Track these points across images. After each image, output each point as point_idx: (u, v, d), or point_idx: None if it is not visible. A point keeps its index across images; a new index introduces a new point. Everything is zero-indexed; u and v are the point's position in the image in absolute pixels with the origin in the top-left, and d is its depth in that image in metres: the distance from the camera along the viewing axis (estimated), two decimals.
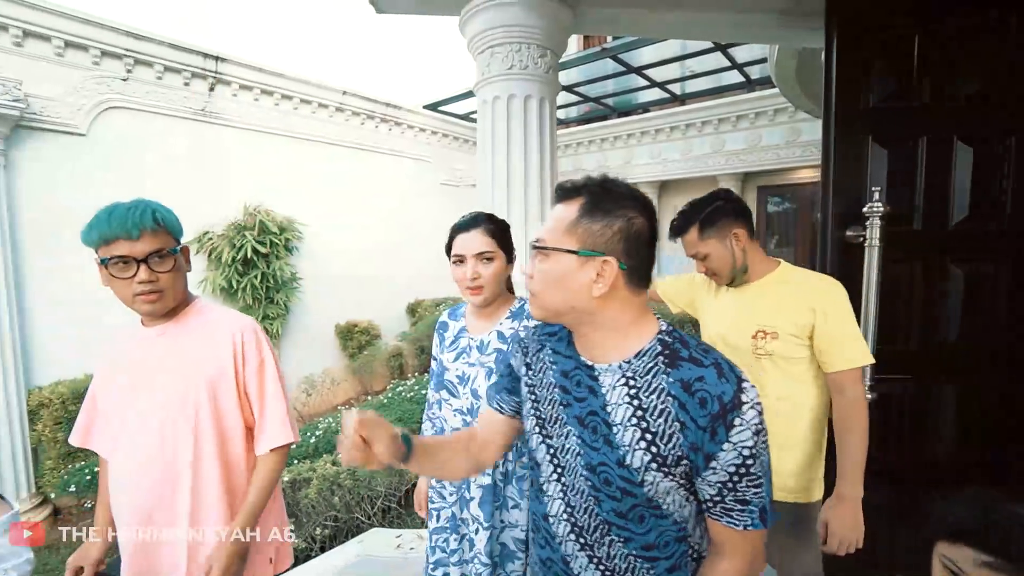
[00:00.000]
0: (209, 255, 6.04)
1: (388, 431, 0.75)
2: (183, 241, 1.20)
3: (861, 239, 1.63)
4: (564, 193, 0.80)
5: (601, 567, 0.80)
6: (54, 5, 4.94)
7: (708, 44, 5.86)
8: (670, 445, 0.72)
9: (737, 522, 0.72)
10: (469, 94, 7.83)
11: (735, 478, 0.70)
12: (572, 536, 0.82)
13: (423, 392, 4.88)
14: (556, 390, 0.84)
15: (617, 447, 0.75)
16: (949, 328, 1.74)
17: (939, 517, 0.69)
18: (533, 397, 0.89)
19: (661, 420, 0.72)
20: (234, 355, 1.18)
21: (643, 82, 7.34)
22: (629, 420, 0.74)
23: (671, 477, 0.73)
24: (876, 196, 1.59)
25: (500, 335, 1.28)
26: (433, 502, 1.37)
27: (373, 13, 2.25)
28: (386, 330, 8.23)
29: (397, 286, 8.63)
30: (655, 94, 8.14)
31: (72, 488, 4.51)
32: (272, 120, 6.81)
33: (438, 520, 1.35)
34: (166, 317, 1.17)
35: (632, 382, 0.75)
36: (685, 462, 0.72)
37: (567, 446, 0.81)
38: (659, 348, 0.76)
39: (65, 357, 5.15)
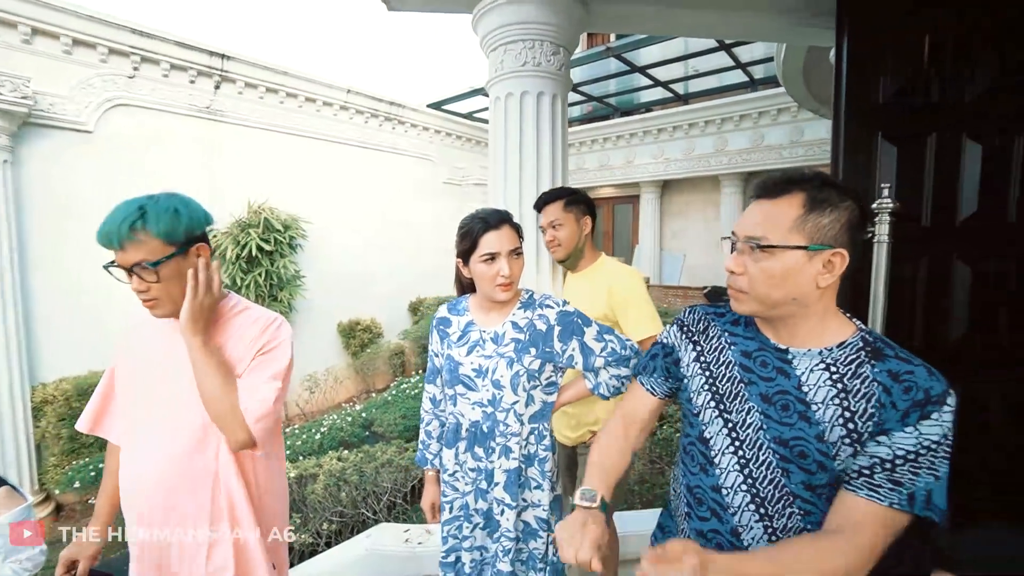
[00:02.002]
0: (214, 252, 6.01)
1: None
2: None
3: (870, 235, 1.64)
4: (774, 189, 0.81)
5: (774, 539, 0.83)
6: (62, 3, 4.97)
7: (712, 43, 5.89)
8: (867, 424, 0.76)
9: (881, 497, 0.73)
10: (472, 93, 7.85)
11: (899, 461, 0.73)
12: (752, 507, 0.85)
13: None
14: (736, 368, 0.89)
15: (817, 423, 0.79)
16: (954, 325, 1.75)
17: (943, 548, 0.70)
18: (708, 374, 0.92)
19: (863, 401, 0.77)
20: (256, 346, 1.13)
21: (646, 81, 7.36)
22: (831, 400, 0.79)
23: (855, 454, 0.76)
24: (885, 192, 1.59)
25: (515, 325, 1.31)
26: (446, 495, 1.39)
27: (377, 13, 2.28)
28: (388, 328, 8.27)
29: (399, 284, 8.67)
30: (658, 93, 8.16)
31: (76, 484, 4.53)
32: (276, 118, 6.84)
33: (451, 511, 1.37)
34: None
35: (833, 368, 0.80)
36: (868, 437, 0.76)
37: (748, 421, 0.86)
38: (861, 343, 0.81)
39: (70, 353, 5.18)
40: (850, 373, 0.79)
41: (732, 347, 0.91)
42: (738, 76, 7.12)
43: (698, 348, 0.95)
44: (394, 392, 4.87)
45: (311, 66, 7.06)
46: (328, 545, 2.95)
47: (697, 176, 8.79)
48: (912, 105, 1.72)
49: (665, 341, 1.03)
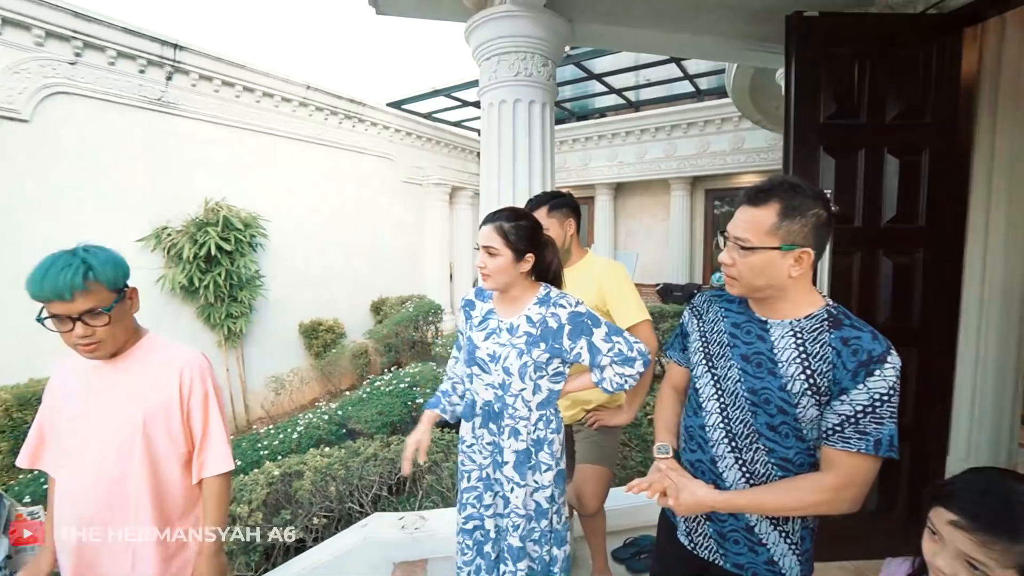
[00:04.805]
0: (168, 251, 5.77)
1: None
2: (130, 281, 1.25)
3: None
4: (757, 198, 0.97)
5: (744, 469, 1.04)
6: None
7: (662, 55, 6.30)
8: (823, 379, 0.93)
9: (852, 445, 0.90)
10: (434, 94, 7.91)
11: (860, 415, 0.90)
12: (725, 440, 1.06)
13: (400, 386, 4.95)
14: (726, 335, 1.09)
15: (780, 377, 0.98)
16: (882, 309, 2.08)
17: (939, 486, 0.79)
18: (704, 339, 1.14)
19: (820, 362, 0.94)
20: (180, 390, 1.26)
21: (600, 88, 7.71)
22: (794, 359, 0.97)
23: (818, 406, 0.95)
24: (827, 198, 1.89)
25: (529, 319, 1.40)
26: (464, 465, 1.51)
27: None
28: (351, 328, 8.15)
29: (360, 284, 8.57)
30: (611, 100, 8.55)
31: (27, 499, 4.22)
32: (233, 112, 6.59)
33: (468, 480, 1.49)
34: (111, 356, 1.22)
35: (799, 335, 0.98)
36: (830, 394, 0.93)
37: (729, 374, 1.06)
38: (825, 315, 0.98)
39: (9, 361, 4.80)
40: (812, 339, 0.96)
41: (725, 319, 1.11)
42: (686, 86, 7.61)
43: (700, 321, 1.17)
44: (368, 390, 4.89)
45: (270, 60, 6.84)
46: (316, 540, 2.99)
47: (648, 179, 9.28)
48: (846, 125, 2.04)
49: (682, 322, 1.25)
